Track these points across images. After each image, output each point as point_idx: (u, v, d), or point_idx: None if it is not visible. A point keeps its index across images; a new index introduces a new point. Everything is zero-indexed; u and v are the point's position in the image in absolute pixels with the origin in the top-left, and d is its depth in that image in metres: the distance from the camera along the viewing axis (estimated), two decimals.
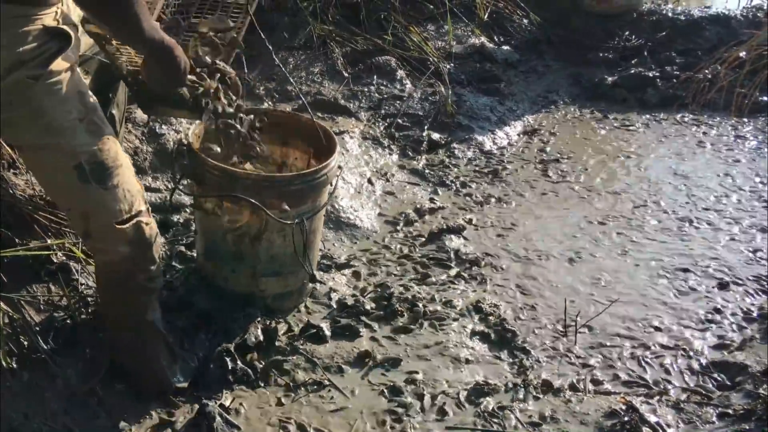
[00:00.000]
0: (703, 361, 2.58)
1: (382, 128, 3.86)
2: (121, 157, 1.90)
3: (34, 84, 1.70)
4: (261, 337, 2.41)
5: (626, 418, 2.23)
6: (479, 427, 2.21)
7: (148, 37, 1.73)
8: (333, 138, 2.61)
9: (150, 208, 2.01)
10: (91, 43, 2.03)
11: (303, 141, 2.74)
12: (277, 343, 2.43)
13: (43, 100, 1.73)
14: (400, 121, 3.94)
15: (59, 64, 1.73)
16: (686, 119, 4.62)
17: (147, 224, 1.96)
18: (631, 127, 4.48)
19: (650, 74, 4.89)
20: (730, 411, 2.29)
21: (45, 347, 2.04)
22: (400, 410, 2.26)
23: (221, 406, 2.15)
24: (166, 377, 2.18)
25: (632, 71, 4.92)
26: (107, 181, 1.84)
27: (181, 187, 2.44)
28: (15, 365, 1.95)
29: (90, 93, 1.87)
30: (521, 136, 4.24)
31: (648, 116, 4.64)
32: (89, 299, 2.26)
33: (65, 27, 1.74)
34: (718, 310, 2.86)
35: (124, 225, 1.90)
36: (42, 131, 1.77)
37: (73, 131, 1.79)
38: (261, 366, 2.34)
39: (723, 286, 3.02)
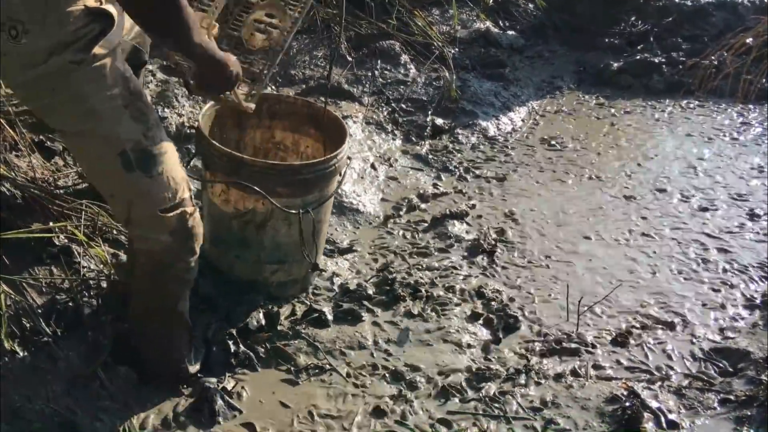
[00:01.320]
0: (706, 347, 2.58)
1: (385, 113, 3.85)
2: (165, 144, 1.84)
3: (76, 69, 1.64)
4: (263, 322, 2.41)
5: (628, 404, 2.23)
6: (480, 412, 2.21)
7: (197, 51, 1.70)
8: (344, 127, 2.59)
9: (193, 196, 1.96)
10: (131, 24, 1.94)
11: (315, 129, 2.72)
12: (279, 327, 2.43)
13: (86, 85, 1.67)
14: (403, 106, 3.92)
15: (102, 47, 1.66)
16: (692, 105, 4.60)
17: (191, 214, 1.91)
18: (636, 114, 4.46)
19: (656, 60, 4.86)
20: (732, 397, 2.29)
21: (47, 330, 2.04)
22: (401, 395, 2.26)
23: (223, 389, 2.16)
24: (185, 367, 2.17)
25: (638, 57, 4.89)
26: (152, 169, 1.80)
27: (188, 171, 2.43)
28: (17, 347, 1.95)
29: (134, 78, 1.81)
30: (525, 121, 4.23)
31: (653, 102, 4.62)
32: (91, 282, 2.26)
33: (108, 7, 1.67)
34: (721, 297, 2.86)
35: (168, 213, 1.85)
36: (85, 117, 1.72)
37: (118, 118, 1.73)
38: (263, 350, 2.35)
39: (727, 272, 3.01)
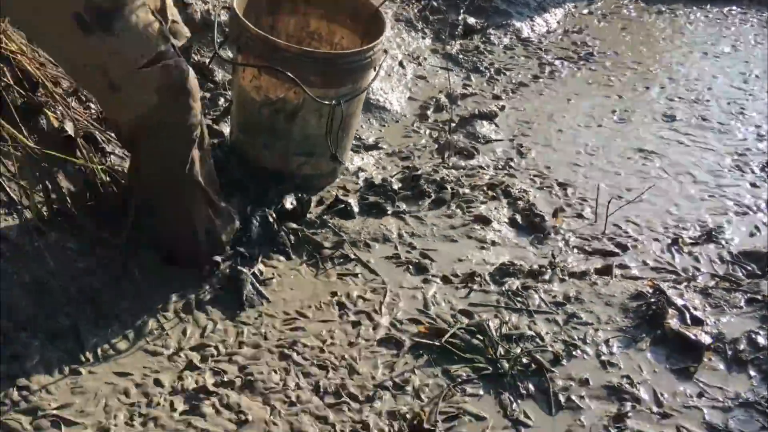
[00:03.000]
0: (734, 251, 2.54)
1: (416, 11, 3.73)
2: None
3: None
4: (296, 205, 2.40)
5: (653, 300, 2.21)
6: (502, 305, 2.21)
7: None
8: (383, 19, 2.48)
9: (177, 48, 1.81)
10: None
11: (351, 20, 2.62)
12: (308, 216, 2.43)
13: None
14: (434, 3, 3.80)
15: None
16: (734, 11, 4.42)
17: (175, 66, 1.77)
18: (675, 18, 4.30)
19: None
20: (759, 297, 2.27)
21: (73, 210, 2.04)
22: (424, 286, 2.27)
23: (254, 274, 2.14)
24: (204, 247, 2.12)
25: None
26: (113, 26, 1.66)
27: (218, 56, 2.38)
28: (43, 225, 1.96)
29: None
30: (561, 23, 4.10)
31: (695, 8, 4.44)
32: (116, 167, 2.25)
33: None
34: (751, 201, 2.82)
35: (148, 69, 1.72)
36: None
37: None
38: (294, 238, 2.34)
39: (757, 176, 2.96)
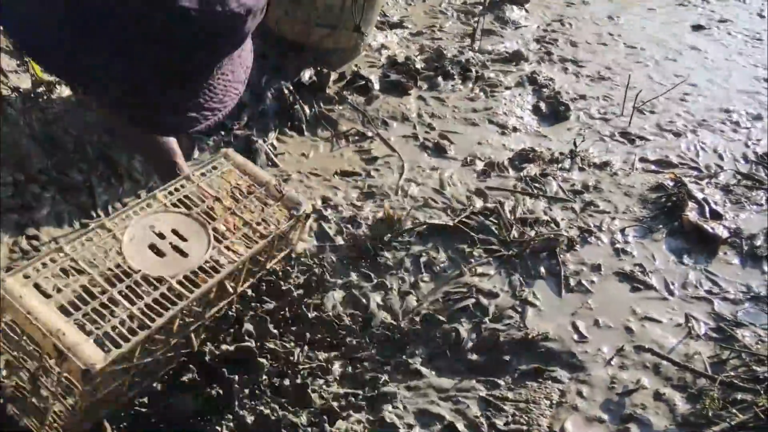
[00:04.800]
0: (760, 151, 2.48)
1: None
2: None
3: None
4: (314, 78, 2.35)
5: (673, 192, 2.17)
6: (519, 190, 2.18)
7: None
8: None
9: None
10: None
11: None
12: (327, 91, 2.37)
13: None
14: None
15: None
16: None
17: None
18: None
19: None
20: None
21: None
22: (440, 166, 2.23)
23: (271, 145, 2.12)
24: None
25: None
26: None
27: None
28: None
29: None
30: None
31: None
32: None
33: None
34: None
35: None
36: None
37: None
38: (310, 112, 2.29)
39: None
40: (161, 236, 1.29)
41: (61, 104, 1.92)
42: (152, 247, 1.28)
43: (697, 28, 3.20)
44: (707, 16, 3.27)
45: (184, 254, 1.28)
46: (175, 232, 1.31)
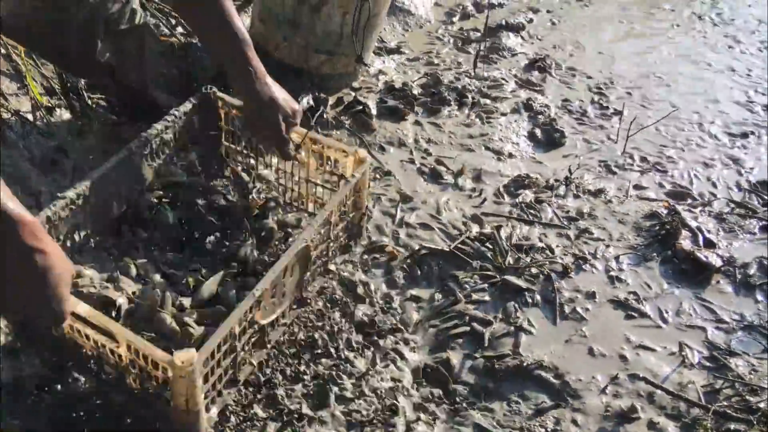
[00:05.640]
0: (753, 179, 2.50)
1: None
2: None
3: None
4: (312, 103, 2.37)
5: (667, 220, 2.19)
6: (514, 216, 2.19)
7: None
8: None
9: None
10: None
11: None
12: (324, 116, 2.39)
13: None
14: None
15: None
16: None
17: None
18: None
19: None
20: None
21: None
22: (436, 191, 2.24)
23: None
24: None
25: None
26: None
27: None
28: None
29: None
30: None
31: None
32: None
33: None
34: None
35: None
36: None
37: None
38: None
39: None
40: None
41: (61, 127, 1.94)
42: None
43: (691, 61, 3.24)
44: (710, 45, 3.31)
45: None
46: None
